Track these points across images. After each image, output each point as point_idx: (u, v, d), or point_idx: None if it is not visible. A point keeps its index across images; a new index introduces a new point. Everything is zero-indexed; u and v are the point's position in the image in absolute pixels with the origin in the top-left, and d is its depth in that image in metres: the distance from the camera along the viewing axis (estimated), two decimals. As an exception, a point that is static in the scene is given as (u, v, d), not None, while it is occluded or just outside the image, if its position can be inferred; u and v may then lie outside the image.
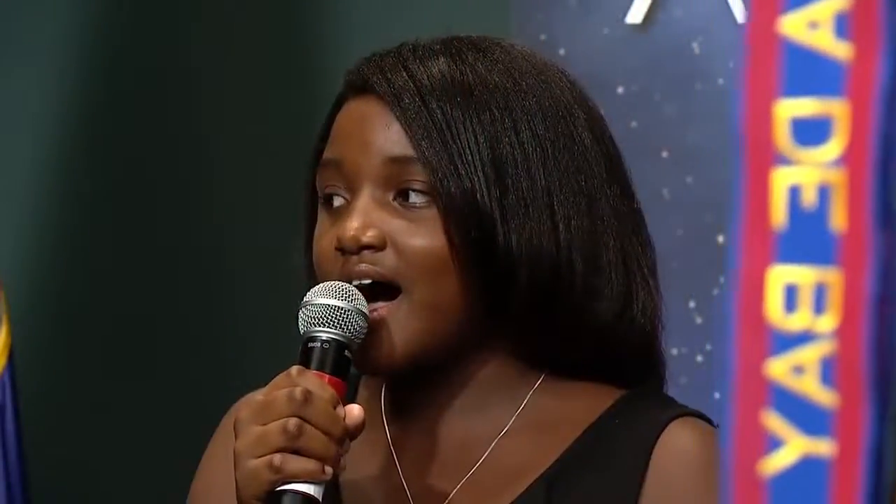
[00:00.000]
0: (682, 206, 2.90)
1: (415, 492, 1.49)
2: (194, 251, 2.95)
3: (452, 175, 1.43)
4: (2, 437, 2.45)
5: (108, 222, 2.97)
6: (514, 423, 1.49)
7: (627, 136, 2.79)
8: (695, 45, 2.85)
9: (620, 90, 2.86)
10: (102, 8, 3.01)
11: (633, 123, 2.86)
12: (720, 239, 2.88)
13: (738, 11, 2.72)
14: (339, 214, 1.45)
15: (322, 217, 1.48)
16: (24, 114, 2.99)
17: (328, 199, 1.47)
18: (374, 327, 1.42)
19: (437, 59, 1.47)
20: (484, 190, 1.43)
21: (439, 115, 1.44)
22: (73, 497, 2.94)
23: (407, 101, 1.44)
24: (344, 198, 1.46)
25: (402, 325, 1.42)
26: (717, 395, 2.53)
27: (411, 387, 1.50)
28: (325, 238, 1.46)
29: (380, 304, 1.42)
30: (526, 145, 1.45)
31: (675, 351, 2.79)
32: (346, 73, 1.52)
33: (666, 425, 1.46)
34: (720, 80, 2.82)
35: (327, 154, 1.49)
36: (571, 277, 1.44)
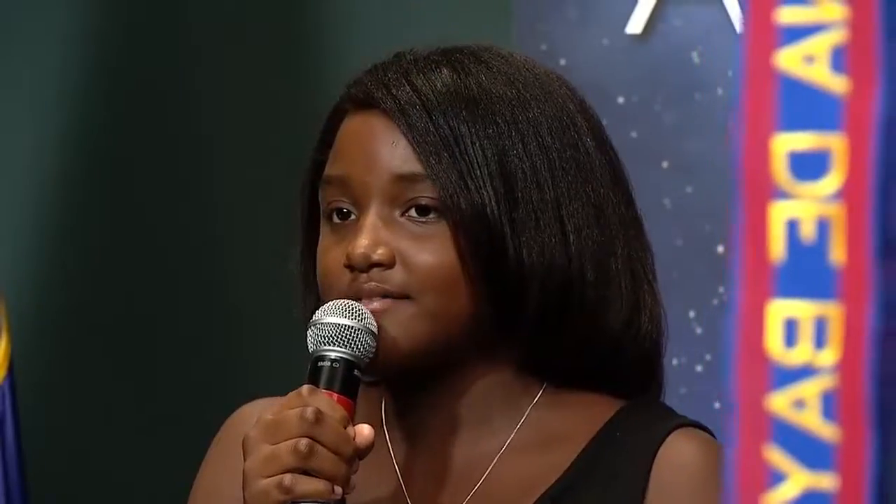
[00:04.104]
0: (682, 215, 2.90)
1: None
2: (195, 257, 2.95)
3: (462, 190, 1.42)
4: (2, 447, 2.45)
5: (108, 232, 2.97)
6: (515, 438, 1.48)
7: (627, 146, 2.78)
8: (694, 55, 2.85)
9: (620, 100, 2.86)
10: (103, 9, 3.01)
11: (633, 133, 2.86)
12: (720, 249, 2.88)
13: (738, 21, 2.73)
14: (346, 230, 1.45)
15: (326, 231, 1.47)
16: (23, 119, 2.99)
17: (332, 214, 1.46)
18: (379, 319, 1.41)
19: (440, 71, 1.46)
20: (494, 204, 1.42)
21: (446, 130, 1.43)
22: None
23: (413, 116, 1.43)
24: (350, 213, 1.45)
25: (407, 326, 1.42)
26: (717, 406, 2.54)
27: (412, 398, 1.49)
28: (331, 254, 1.45)
29: (387, 300, 1.42)
30: (533, 157, 1.44)
31: (674, 361, 2.79)
32: (346, 86, 1.51)
33: (665, 437, 1.45)
34: (719, 90, 2.82)
35: (332, 170, 1.48)
36: (583, 288, 1.44)
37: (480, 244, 1.42)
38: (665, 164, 2.83)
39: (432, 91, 1.45)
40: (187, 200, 2.96)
